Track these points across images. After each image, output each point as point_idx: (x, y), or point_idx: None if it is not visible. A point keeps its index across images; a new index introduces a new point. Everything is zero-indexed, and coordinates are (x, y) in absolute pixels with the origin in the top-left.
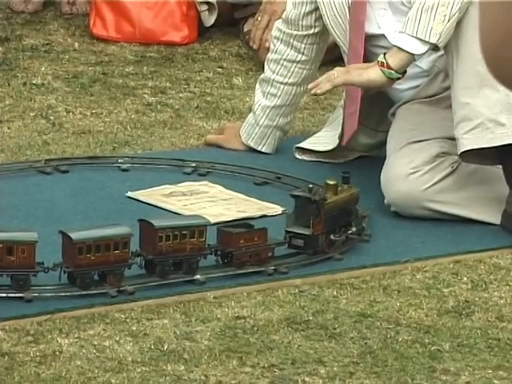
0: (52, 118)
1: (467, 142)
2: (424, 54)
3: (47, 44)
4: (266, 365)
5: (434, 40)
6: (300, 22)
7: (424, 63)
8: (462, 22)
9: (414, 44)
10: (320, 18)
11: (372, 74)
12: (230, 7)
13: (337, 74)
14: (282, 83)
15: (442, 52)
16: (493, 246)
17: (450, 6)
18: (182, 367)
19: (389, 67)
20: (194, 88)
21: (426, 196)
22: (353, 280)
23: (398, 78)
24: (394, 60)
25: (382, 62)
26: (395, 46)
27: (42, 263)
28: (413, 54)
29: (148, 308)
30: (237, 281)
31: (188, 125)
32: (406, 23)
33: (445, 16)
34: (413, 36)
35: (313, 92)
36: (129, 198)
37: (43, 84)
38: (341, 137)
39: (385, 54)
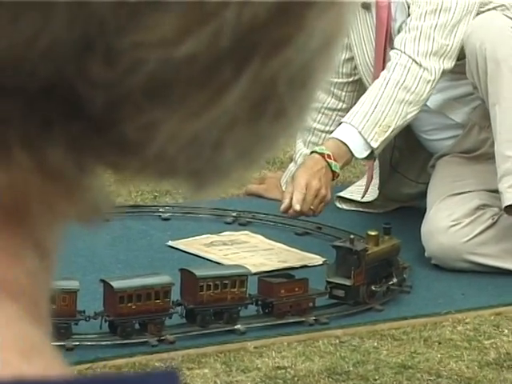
0: None
1: (508, 199)
2: (360, 159)
3: None
4: None
5: (374, 145)
6: (339, 70)
7: (457, 116)
8: (503, 75)
9: (359, 143)
10: None
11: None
12: None
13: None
14: (323, 131)
15: (476, 104)
16: None
17: (395, 120)
18: None
19: (335, 160)
20: None
21: (466, 249)
22: (393, 331)
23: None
24: (340, 159)
25: (328, 155)
26: (339, 139)
27: (83, 311)
28: (353, 155)
29: (189, 357)
30: (277, 331)
31: None
32: (353, 114)
33: (389, 127)
34: (358, 132)
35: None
36: (170, 247)
37: None
38: (381, 188)
39: (322, 148)
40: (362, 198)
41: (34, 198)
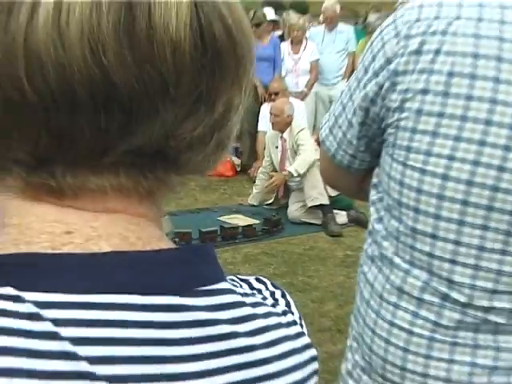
0: None
1: (309, 203)
2: (296, 176)
3: None
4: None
5: (298, 172)
6: (265, 170)
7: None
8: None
9: (293, 172)
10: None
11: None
12: (247, 160)
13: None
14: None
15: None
16: (314, 231)
17: (304, 165)
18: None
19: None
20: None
21: (300, 217)
22: (285, 243)
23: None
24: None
25: (289, 173)
26: (289, 171)
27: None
28: (293, 175)
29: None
30: (248, 243)
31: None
32: (294, 164)
33: (304, 164)
34: (295, 169)
35: (272, 192)
36: (218, 219)
37: None
38: (276, 197)
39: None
40: (277, 198)
41: (155, 190)
